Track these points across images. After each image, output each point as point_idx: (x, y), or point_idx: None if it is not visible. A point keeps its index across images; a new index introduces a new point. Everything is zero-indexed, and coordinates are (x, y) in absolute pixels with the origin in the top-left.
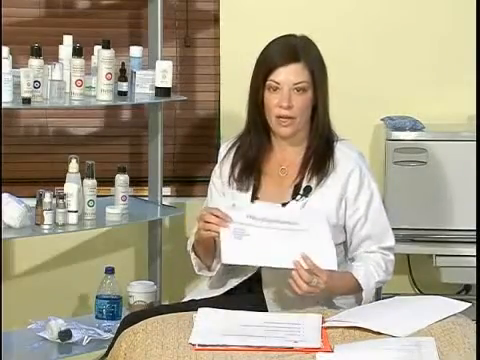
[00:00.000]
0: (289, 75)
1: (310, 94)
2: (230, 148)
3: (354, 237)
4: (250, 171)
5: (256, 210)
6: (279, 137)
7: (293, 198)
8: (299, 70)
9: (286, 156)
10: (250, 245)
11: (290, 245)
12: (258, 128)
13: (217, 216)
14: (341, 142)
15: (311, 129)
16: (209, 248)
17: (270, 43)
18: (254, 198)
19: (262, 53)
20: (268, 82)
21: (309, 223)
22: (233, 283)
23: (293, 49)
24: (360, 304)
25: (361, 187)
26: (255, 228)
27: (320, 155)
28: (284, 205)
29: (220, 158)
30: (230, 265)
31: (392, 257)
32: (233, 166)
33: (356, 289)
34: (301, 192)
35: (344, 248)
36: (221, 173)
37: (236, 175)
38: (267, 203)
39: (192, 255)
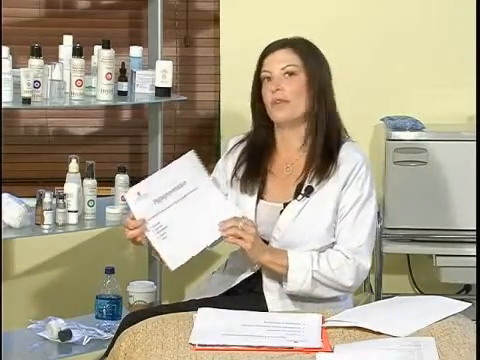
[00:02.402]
0: (276, 61)
1: (303, 78)
2: (237, 144)
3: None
4: (255, 173)
5: (155, 189)
6: (280, 127)
7: (295, 197)
8: (286, 54)
9: (290, 155)
10: (176, 238)
11: (199, 216)
12: (261, 124)
13: (133, 226)
14: (347, 143)
15: (311, 125)
16: None
17: None
18: (259, 199)
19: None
20: (262, 74)
21: (191, 177)
22: (233, 283)
23: (282, 40)
24: (287, 288)
25: (353, 185)
26: (166, 213)
27: (324, 155)
28: (286, 205)
29: (227, 151)
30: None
31: (352, 260)
32: (237, 166)
33: (285, 267)
34: (303, 192)
35: None
36: (224, 169)
37: (240, 176)
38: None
39: None
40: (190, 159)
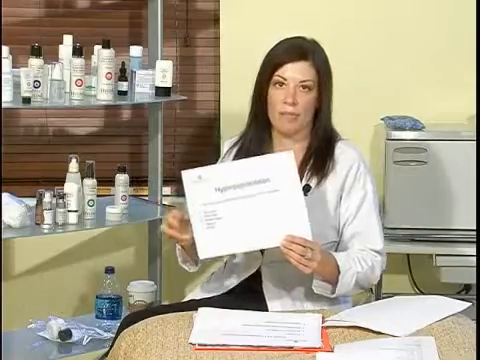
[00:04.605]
0: (296, 72)
1: (315, 94)
2: (233, 145)
3: (343, 235)
4: None
5: (223, 178)
6: (280, 135)
7: None
8: (306, 68)
9: None
10: (226, 231)
11: (267, 218)
12: (259, 125)
13: (175, 220)
14: (342, 141)
15: (312, 129)
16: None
17: (279, 42)
18: None
19: (270, 51)
20: (274, 77)
21: (279, 177)
22: (233, 283)
23: (302, 48)
24: (334, 292)
25: (355, 186)
26: (226, 205)
27: (320, 155)
28: None
29: (222, 153)
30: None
31: (380, 258)
32: None
33: (334, 272)
34: None
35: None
36: None
37: None
38: (235, 162)
39: (177, 245)
40: (287, 159)
